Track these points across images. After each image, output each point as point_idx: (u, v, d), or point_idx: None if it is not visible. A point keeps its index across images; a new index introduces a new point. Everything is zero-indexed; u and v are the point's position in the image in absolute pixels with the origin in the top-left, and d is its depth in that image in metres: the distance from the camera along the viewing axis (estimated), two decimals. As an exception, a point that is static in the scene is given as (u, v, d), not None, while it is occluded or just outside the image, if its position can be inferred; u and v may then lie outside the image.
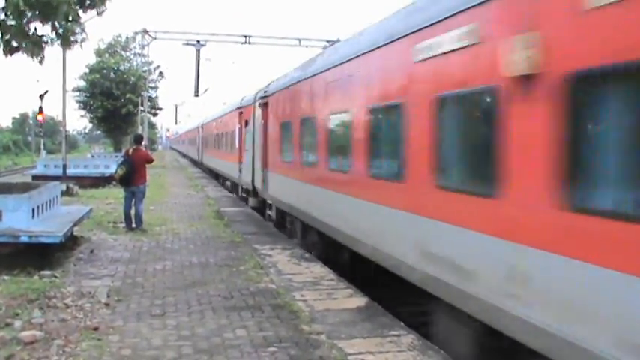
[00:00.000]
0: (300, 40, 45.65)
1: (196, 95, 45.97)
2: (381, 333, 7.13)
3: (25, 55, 9.91)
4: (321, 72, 11.72)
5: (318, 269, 10.69)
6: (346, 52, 10.46)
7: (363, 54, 9.41)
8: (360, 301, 8.58)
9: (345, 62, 10.29)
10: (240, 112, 22.80)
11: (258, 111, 18.38)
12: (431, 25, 7.01)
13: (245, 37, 44.09)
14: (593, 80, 4.63)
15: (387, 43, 8.41)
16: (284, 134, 14.81)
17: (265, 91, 17.43)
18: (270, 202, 16.94)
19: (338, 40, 40.48)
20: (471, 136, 6.58)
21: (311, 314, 7.84)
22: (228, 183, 28.46)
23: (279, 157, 15.30)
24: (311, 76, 12.46)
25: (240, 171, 22.61)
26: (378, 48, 8.76)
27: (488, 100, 6.02)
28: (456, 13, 6.43)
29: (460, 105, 6.69)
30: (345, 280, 9.85)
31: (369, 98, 9.11)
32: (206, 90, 56.24)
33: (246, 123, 21.19)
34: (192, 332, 7.05)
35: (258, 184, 18.29)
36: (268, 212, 17.39)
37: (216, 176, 33.75)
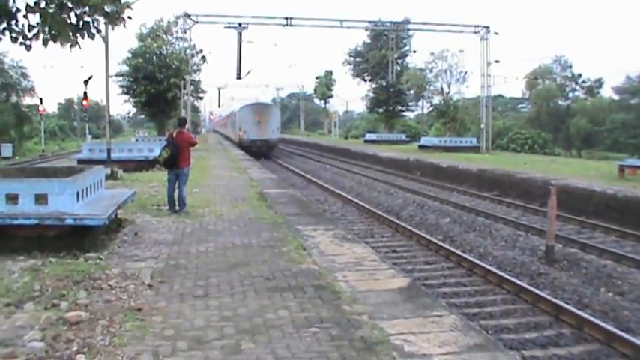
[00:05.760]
0: (341, 22, 45.39)
1: (239, 78, 46.26)
2: (423, 313, 7.03)
3: (61, 43, 9.86)
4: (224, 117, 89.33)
5: (361, 250, 10.62)
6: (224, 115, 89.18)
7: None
8: (401, 281, 8.48)
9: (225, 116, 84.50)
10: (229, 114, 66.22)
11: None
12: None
13: (286, 19, 44.08)
14: None
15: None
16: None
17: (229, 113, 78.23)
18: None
19: (379, 20, 40.04)
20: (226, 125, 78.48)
21: (353, 295, 7.78)
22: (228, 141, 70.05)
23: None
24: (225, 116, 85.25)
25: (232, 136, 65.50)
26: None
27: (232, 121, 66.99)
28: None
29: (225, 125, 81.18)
30: (387, 261, 9.77)
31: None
32: (248, 72, 56.71)
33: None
34: (234, 313, 7.07)
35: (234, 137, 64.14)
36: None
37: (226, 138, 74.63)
